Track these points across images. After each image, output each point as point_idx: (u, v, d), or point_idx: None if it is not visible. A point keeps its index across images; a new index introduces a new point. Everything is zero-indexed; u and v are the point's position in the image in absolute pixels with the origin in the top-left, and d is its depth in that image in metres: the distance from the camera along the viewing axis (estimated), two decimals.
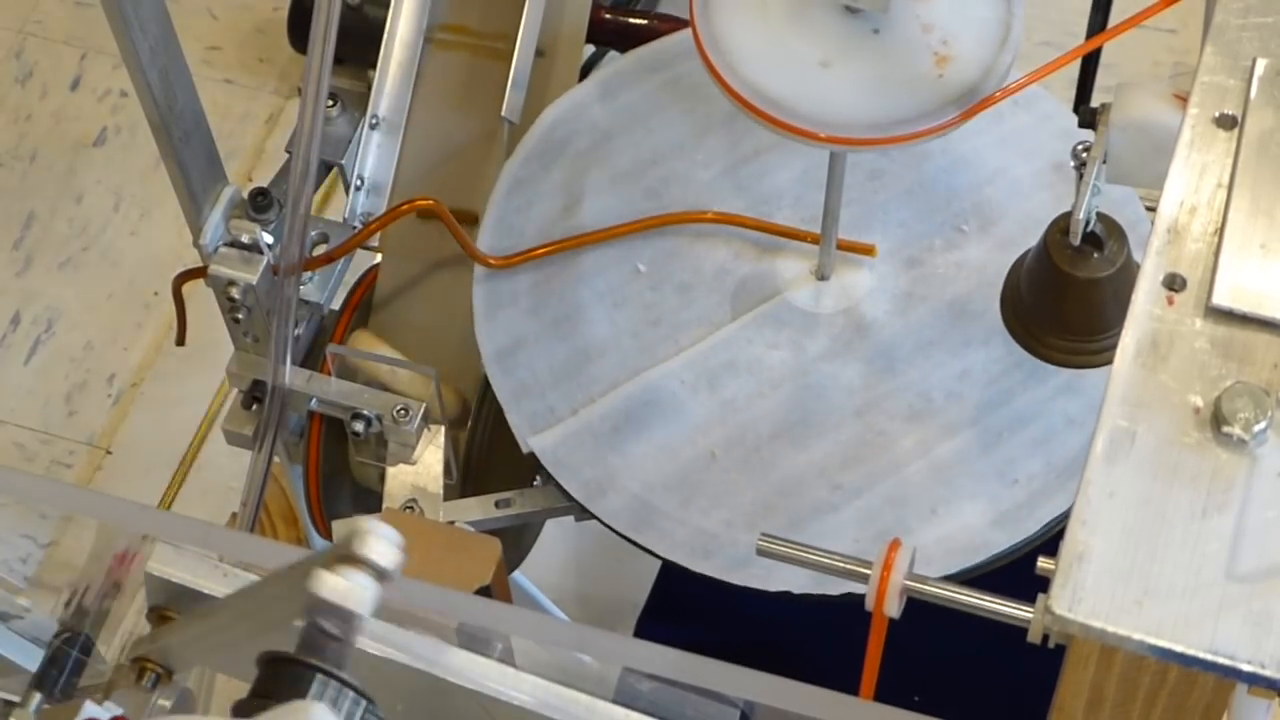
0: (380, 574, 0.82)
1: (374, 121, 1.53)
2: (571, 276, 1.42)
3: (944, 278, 1.41)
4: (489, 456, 1.47)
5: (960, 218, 1.43)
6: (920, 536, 1.30)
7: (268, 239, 1.37)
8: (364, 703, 0.81)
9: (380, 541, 0.81)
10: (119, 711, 1.00)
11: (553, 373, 1.38)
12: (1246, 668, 0.77)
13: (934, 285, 1.40)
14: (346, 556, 0.81)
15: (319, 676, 0.81)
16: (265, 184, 1.42)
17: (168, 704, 1.01)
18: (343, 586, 0.80)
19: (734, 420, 1.36)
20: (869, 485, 1.33)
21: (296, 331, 1.42)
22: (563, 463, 1.34)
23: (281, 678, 0.81)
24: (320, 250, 1.47)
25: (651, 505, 1.32)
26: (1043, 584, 0.81)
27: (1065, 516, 0.83)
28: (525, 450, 1.35)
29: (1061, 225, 1.20)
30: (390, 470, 1.39)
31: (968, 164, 1.45)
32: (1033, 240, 1.24)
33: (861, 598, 0.94)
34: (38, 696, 1.00)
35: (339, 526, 1.40)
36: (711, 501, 1.33)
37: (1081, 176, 1.14)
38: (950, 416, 1.35)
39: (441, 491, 1.39)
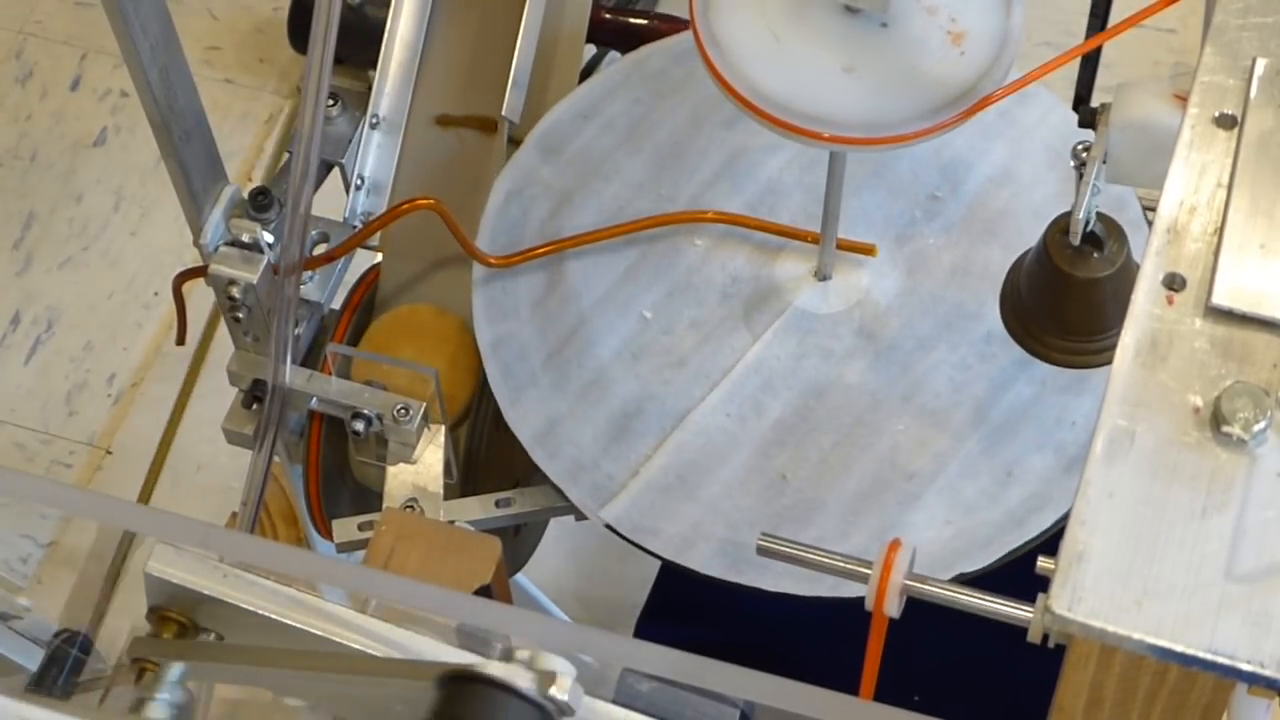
0: (561, 710, 0.83)
1: (374, 121, 1.53)
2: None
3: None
4: (489, 456, 1.47)
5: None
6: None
7: (268, 238, 1.37)
8: None
9: (568, 680, 0.83)
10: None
11: (597, 441, 1.35)
12: (1246, 667, 0.77)
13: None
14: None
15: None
16: (265, 183, 1.42)
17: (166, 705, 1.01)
18: None
19: (791, 438, 1.35)
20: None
21: (297, 331, 1.42)
22: (642, 527, 1.32)
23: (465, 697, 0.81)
24: (320, 250, 1.47)
25: (742, 544, 1.30)
26: (1042, 584, 0.81)
27: (1065, 517, 0.83)
28: (603, 524, 1.33)
29: (1061, 225, 1.20)
30: (390, 470, 1.39)
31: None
32: (1033, 240, 1.24)
33: (860, 598, 0.94)
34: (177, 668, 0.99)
35: (338, 526, 1.40)
36: (800, 524, 1.31)
37: (1081, 176, 1.14)
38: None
39: (442, 491, 1.39)
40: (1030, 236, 1.27)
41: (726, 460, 1.34)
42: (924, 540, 1.30)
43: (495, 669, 0.82)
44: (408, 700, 0.85)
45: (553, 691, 0.85)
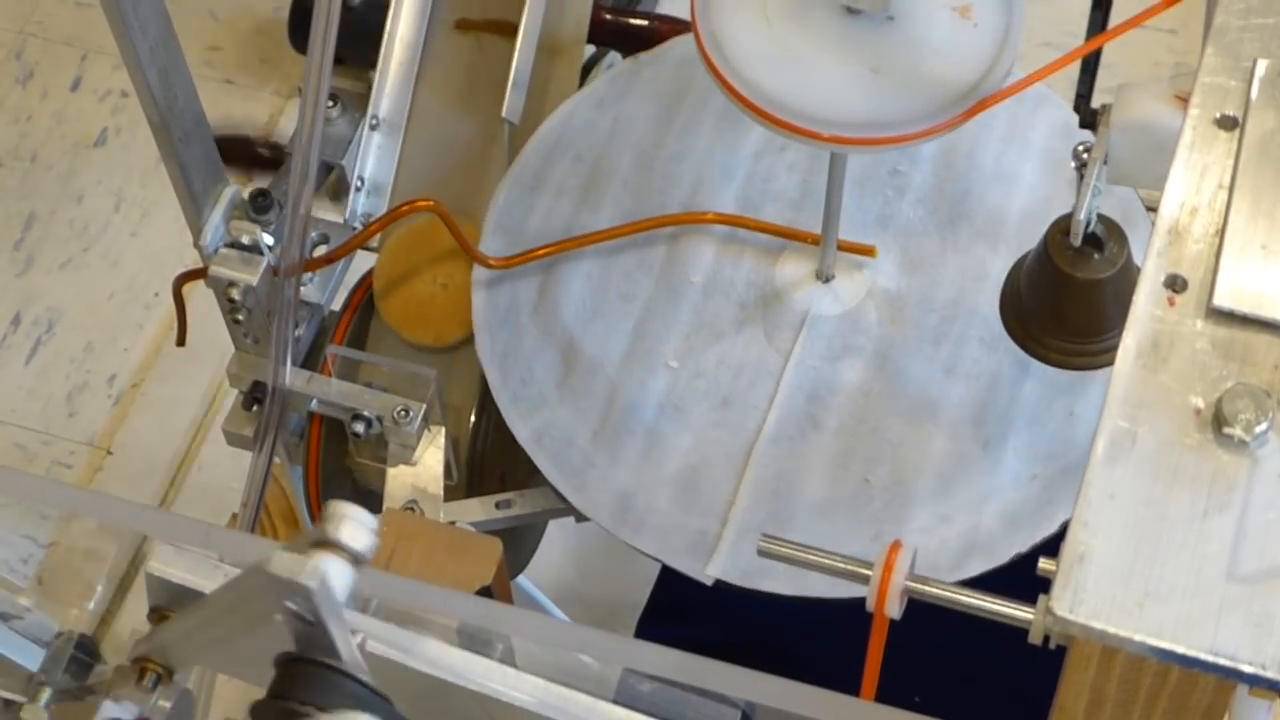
0: (354, 557, 0.81)
1: (374, 122, 1.53)
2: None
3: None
4: (492, 456, 1.47)
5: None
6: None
7: (268, 240, 1.37)
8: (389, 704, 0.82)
9: (352, 524, 0.81)
10: (138, 711, 1.00)
11: (676, 502, 1.33)
12: (1248, 669, 0.77)
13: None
14: (320, 541, 0.81)
15: (337, 676, 0.81)
16: (265, 185, 1.42)
17: (168, 704, 1.01)
18: (315, 568, 0.80)
19: (863, 448, 1.34)
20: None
21: (297, 332, 1.42)
22: (754, 571, 1.30)
23: (297, 678, 0.81)
24: (320, 251, 1.47)
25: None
26: (1043, 585, 0.81)
27: (1067, 519, 0.83)
28: (710, 583, 1.31)
29: (1062, 226, 1.20)
30: (391, 471, 1.39)
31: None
32: (1033, 241, 1.24)
33: (860, 599, 0.94)
34: (48, 691, 0.99)
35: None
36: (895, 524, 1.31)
37: (1082, 177, 1.14)
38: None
39: (442, 492, 1.39)
40: (1031, 238, 1.27)
41: (805, 480, 1.33)
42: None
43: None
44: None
45: (344, 539, 0.82)
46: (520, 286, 1.43)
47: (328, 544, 0.81)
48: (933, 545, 1.30)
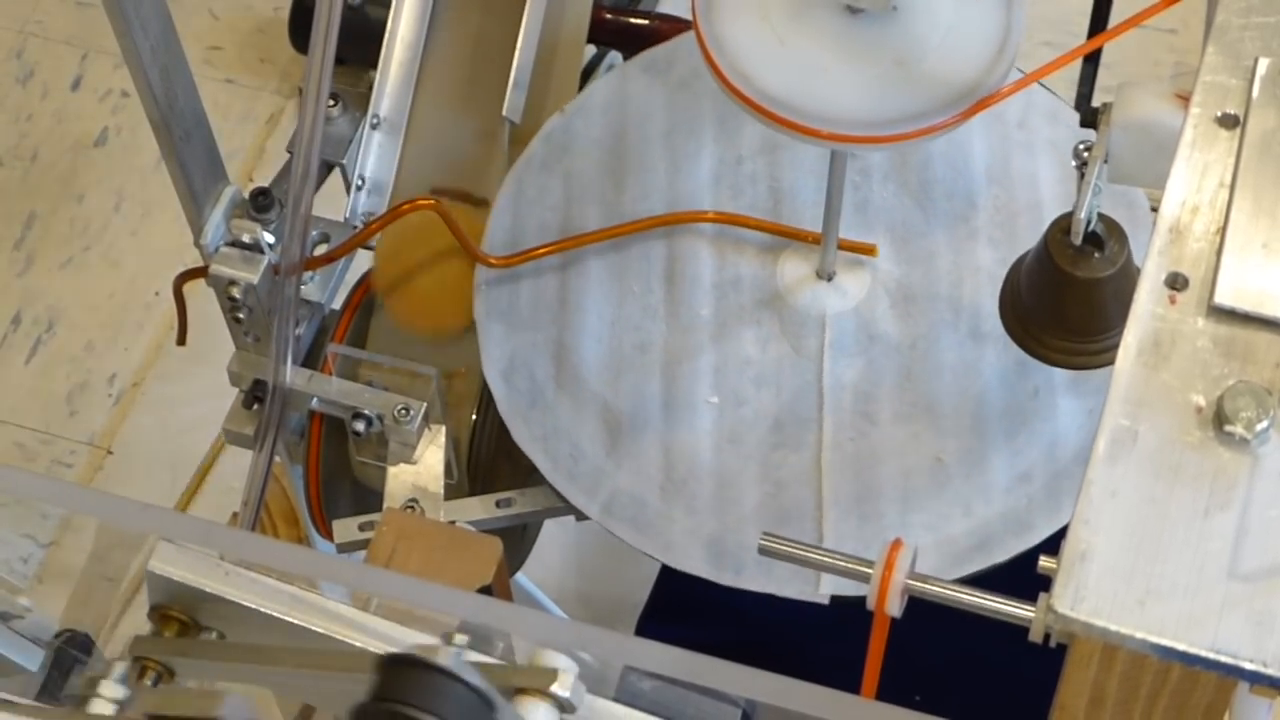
0: (562, 706, 0.82)
1: (375, 121, 1.53)
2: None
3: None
4: (493, 456, 1.47)
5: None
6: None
7: (269, 239, 1.37)
8: None
9: (569, 678, 0.82)
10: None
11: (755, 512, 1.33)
12: (1249, 666, 0.77)
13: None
14: (531, 689, 0.82)
15: (448, 680, 0.81)
16: (266, 184, 1.42)
17: None
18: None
19: (923, 430, 1.35)
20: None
21: (297, 331, 1.42)
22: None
23: (406, 680, 0.81)
24: (321, 250, 1.47)
25: (955, 537, 1.31)
26: (1044, 583, 0.81)
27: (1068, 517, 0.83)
28: (827, 602, 1.30)
29: (1062, 225, 1.20)
30: (391, 470, 1.39)
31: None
32: (1033, 240, 1.24)
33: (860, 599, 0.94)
34: (121, 666, 0.98)
35: (339, 526, 1.40)
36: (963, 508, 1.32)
37: (1082, 176, 1.14)
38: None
39: (442, 491, 1.39)
40: (1031, 236, 1.27)
41: (880, 475, 1.33)
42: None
43: (435, 653, 0.81)
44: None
45: (554, 688, 0.85)
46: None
47: (543, 694, 0.83)
48: (1020, 504, 1.31)
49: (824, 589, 1.29)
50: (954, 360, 1.37)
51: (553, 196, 1.46)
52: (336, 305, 1.52)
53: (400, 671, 0.80)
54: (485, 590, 1.25)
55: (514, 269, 1.42)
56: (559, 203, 1.46)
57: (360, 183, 1.52)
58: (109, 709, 0.92)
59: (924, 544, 1.28)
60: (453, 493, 1.42)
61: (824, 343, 1.38)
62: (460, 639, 0.87)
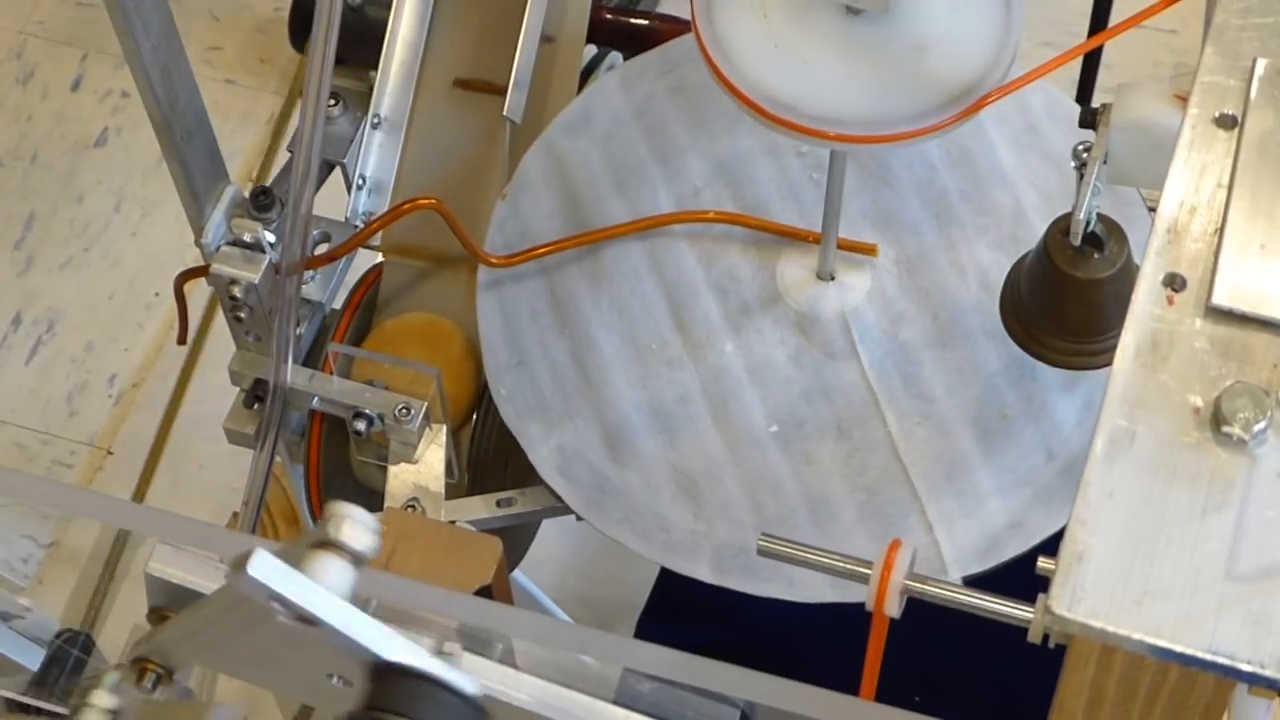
0: (355, 558, 0.81)
1: (376, 121, 1.53)
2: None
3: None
4: (493, 455, 1.47)
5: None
6: (1020, 493, 1.31)
7: (270, 238, 1.37)
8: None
9: (353, 524, 0.81)
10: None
11: (875, 537, 1.31)
12: (1246, 667, 0.77)
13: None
14: (320, 542, 0.81)
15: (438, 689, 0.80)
16: (267, 183, 1.42)
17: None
18: (318, 570, 0.80)
19: (982, 394, 1.35)
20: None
21: (298, 330, 1.42)
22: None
23: (396, 690, 0.81)
24: (322, 249, 1.47)
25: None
26: (1043, 584, 0.81)
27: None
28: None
29: (1062, 226, 1.20)
30: (392, 469, 1.39)
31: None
32: (1033, 241, 1.24)
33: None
34: (114, 675, 0.98)
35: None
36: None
37: (1082, 177, 1.14)
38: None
39: (443, 490, 1.39)
40: (1031, 237, 1.27)
41: (959, 448, 1.34)
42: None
43: (427, 663, 0.81)
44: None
45: (344, 539, 0.82)
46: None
47: (328, 544, 0.81)
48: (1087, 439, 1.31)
49: (953, 575, 1.29)
50: (982, 318, 1.37)
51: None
52: (337, 304, 1.52)
53: (390, 680, 0.80)
54: (485, 590, 1.25)
55: (515, 269, 1.42)
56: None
57: (361, 182, 1.53)
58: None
59: (1023, 496, 1.31)
60: (453, 492, 1.42)
61: (853, 340, 1.38)
62: (451, 646, 0.87)
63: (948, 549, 1.30)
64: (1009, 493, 1.32)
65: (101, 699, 0.93)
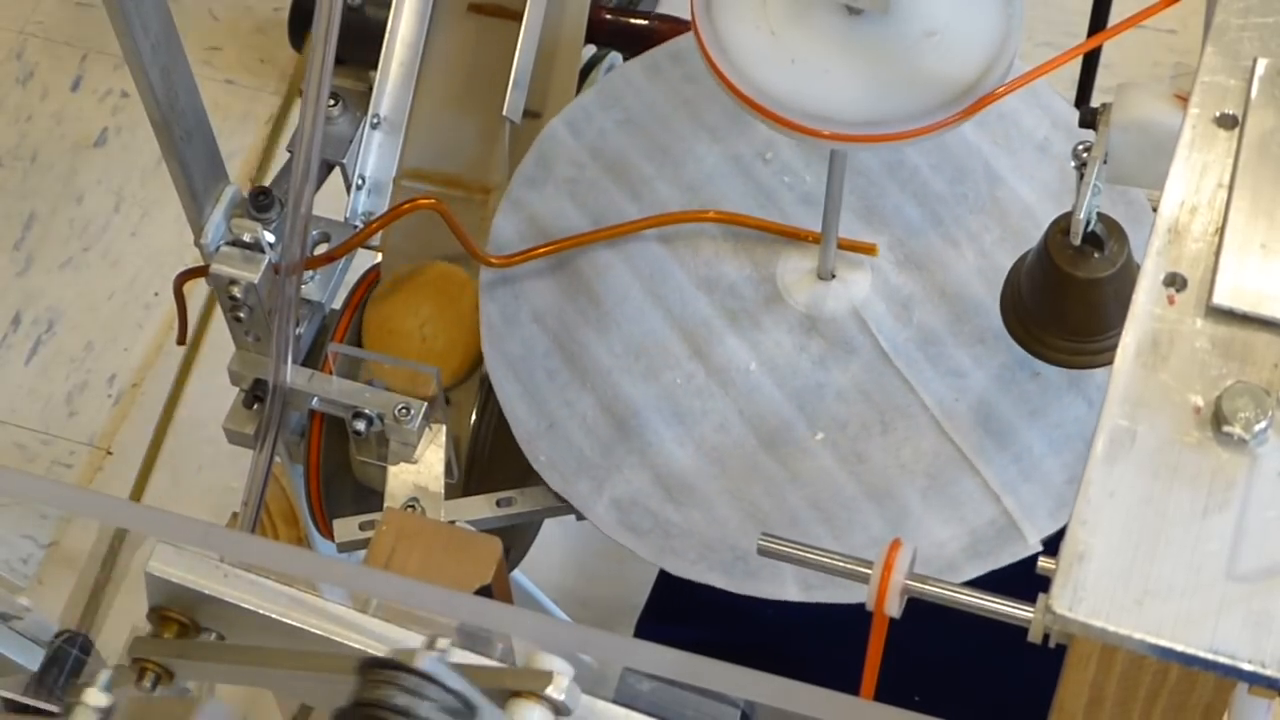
0: (557, 709, 0.83)
1: (375, 121, 1.53)
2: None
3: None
4: (491, 455, 1.47)
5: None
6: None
7: (269, 238, 1.37)
8: None
9: (565, 680, 0.82)
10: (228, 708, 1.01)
11: (949, 523, 1.32)
12: (1247, 667, 0.77)
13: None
14: (525, 692, 0.82)
15: (427, 683, 0.81)
16: (266, 183, 1.42)
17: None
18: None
19: (1010, 359, 1.35)
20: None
21: (298, 330, 1.42)
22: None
23: (385, 685, 0.81)
24: (322, 249, 1.47)
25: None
26: (1043, 583, 0.81)
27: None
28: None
29: (1062, 225, 1.20)
30: (392, 469, 1.39)
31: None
32: (1033, 240, 1.24)
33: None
34: (106, 674, 0.98)
35: (339, 525, 1.40)
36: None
37: (1082, 177, 1.14)
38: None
39: (443, 490, 1.39)
40: (1031, 236, 1.27)
41: (1003, 412, 1.34)
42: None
43: (415, 657, 0.82)
44: None
45: (549, 691, 0.85)
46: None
47: (538, 696, 0.83)
48: None
49: (1032, 541, 1.29)
50: (986, 289, 1.37)
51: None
52: (337, 304, 1.52)
53: (380, 675, 0.80)
54: (485, 590, 1.25)
55: (515, 269, 1.42)
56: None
57: (360, 182, 1.53)
58: (93, 718, 0.92)
59: (1075, 449, 1.32)
60: (452, 492, 1.42)
61: (871, 331, 1.38)
62: (443, 642, 0.87)
63: (1019, 515, 1.30)
64: (1061, 449, 1.32)
65: (94, 698, 0.93)
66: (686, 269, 1.42)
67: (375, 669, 0.81)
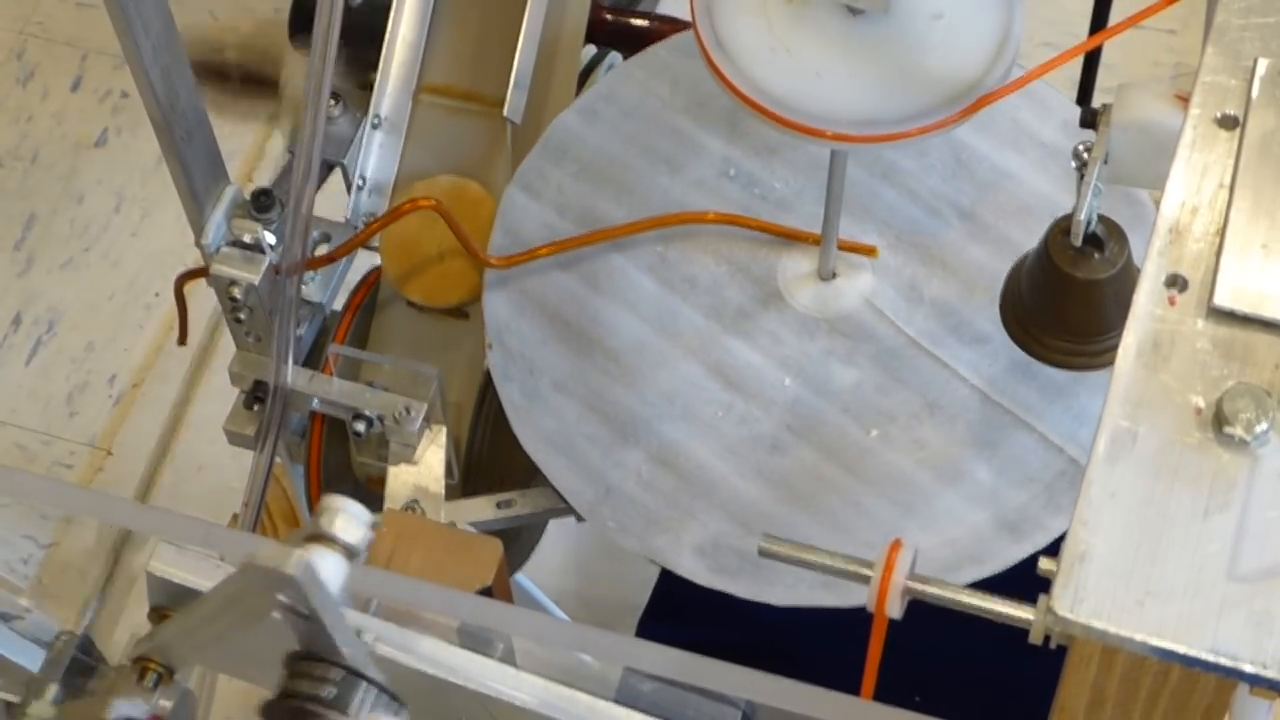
0: (347, 550, 0.81)
1: (376, 121, 1.53)
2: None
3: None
4: (490, 456, 1.47)
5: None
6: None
7: (270, 239, 1.37)
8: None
9: (344, 517, 0.81)
10: (149, 710, 1.00)
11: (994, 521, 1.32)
12: (1248, 668, 0.77)
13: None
14: (312, 535, 0.81)
15: (349, 675, 0.81)
16: (267, 184, 1.42)
17: (169, 704, 1.01)
18: (301, 559, 0.80)
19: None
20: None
21: (298, 331, 1.42)
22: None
23: (308, 677, 0.81)
24: (322, 250, 1.47)
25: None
26: (1044, 584, 0.81)
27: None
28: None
29: (1062, 226, 1.20)
30: (392, 470, 1.39)
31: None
32: (1033, 241, 1.24)
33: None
34: (54, 688, 0.99)
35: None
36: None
37: (1082, 177, 1.14)
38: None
39: (443, 492, 1.39)
40: (1031, 237, 1.27)
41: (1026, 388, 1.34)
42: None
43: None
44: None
45: (336, 532, 0.82)
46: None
47: (319, 537, 0.81)
48: None
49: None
50: (988, 257, 1.37)
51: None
52: (337, 306, 1.52)
53: (303, 668, 0.81)
54: (485, 592, 1.25)
55: (515, 269, 1.42)
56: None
57: (361, 183, 1.53)
58: None
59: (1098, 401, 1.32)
60: (453, 493, 1.42)
61: (889, 318, 1.38)
62: (367, 636, 0.87)
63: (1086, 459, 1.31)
64: (1085, 397, 1.33)
65: (38, 709, 0.93)
66: (690, 301, 1.41)
67: (300, 662, 0.82)
